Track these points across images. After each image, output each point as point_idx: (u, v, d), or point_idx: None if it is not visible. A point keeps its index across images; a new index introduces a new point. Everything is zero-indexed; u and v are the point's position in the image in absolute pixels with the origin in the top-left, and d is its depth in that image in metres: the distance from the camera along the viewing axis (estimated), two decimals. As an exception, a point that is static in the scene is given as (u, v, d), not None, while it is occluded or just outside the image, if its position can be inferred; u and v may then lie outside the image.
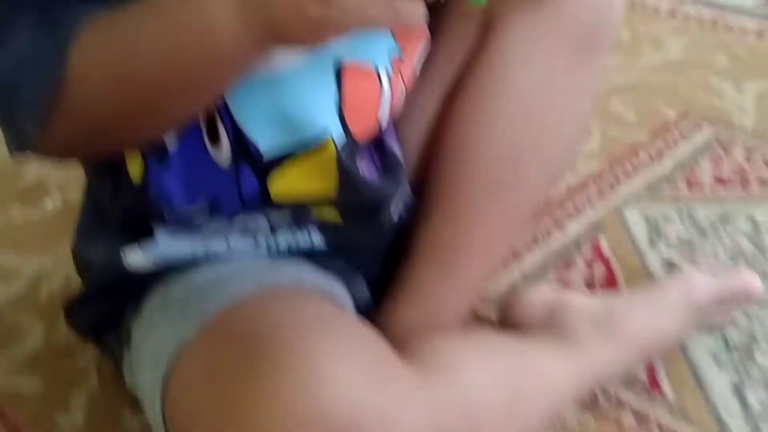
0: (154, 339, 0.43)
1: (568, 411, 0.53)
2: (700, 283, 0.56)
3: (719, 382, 0.56)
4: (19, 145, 0.38)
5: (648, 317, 0.54)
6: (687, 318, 0.55)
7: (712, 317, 0.57)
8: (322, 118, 0.43)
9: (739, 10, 1.20)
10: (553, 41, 0.46)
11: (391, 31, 0.45)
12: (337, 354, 0.36)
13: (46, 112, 0.36)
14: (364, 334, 0.41)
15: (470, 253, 0.50)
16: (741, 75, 1.00)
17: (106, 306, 0.49)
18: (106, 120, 0.38)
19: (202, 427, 0.38)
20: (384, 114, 0.46)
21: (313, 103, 0.42)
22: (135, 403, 0.51)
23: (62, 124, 0.37)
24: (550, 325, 0.53)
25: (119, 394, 0.53)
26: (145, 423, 0.51)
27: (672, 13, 1.20)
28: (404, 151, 0.50)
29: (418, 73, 0.49)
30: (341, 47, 0.42)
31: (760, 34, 1.12)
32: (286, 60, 0.41)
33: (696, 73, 1.00)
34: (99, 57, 0.37)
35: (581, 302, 0.55)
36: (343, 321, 0.43)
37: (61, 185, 0.76)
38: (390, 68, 0.46)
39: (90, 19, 0.37)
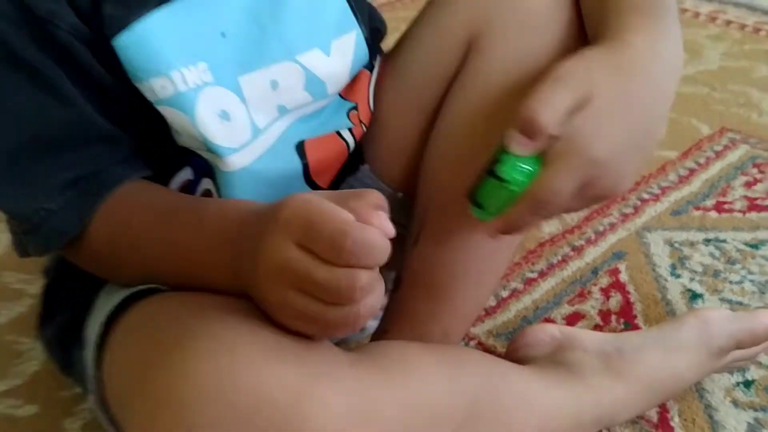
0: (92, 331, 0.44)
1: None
2: (720, 320, 0.53)
3: (734, 424, 0.53)
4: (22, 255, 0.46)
5: (661, 357, 0.51)
6: (703, 359, 0.52)
7: (733, 359, 0.54)
8: (293, 189, 0.44)
9: (784, 16, 1.15)
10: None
11: (342, 96, 0.49)
12: (258, 336, 0.34)
13: (55, 251, 0.46)
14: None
15: (459, 277, 0.48)
16: (782, 87, 0.95)
17: (64, 319, 0.50)
18: (103, 271, 0.45)
19: (124, 406, 0.39)
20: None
21: (282, 182, 0.46)
22: None
23: (70, 257, 0.46)
24: (556, 360, 0.50)
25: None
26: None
27: (712, 18, 1.15)
28: (389, 160, 0.51)
29: (372, 102, 0.51)
30: (300, 130, 0.47)
31: (805, 42, 1.07)
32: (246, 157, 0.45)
33: (733, 84, 0.96)
34: (113, 237, 0.43)
35: (590, 338, 0.52)
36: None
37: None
38: (350, 123, 0.49)
39: (120, 191, 0.43)
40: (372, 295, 0.33)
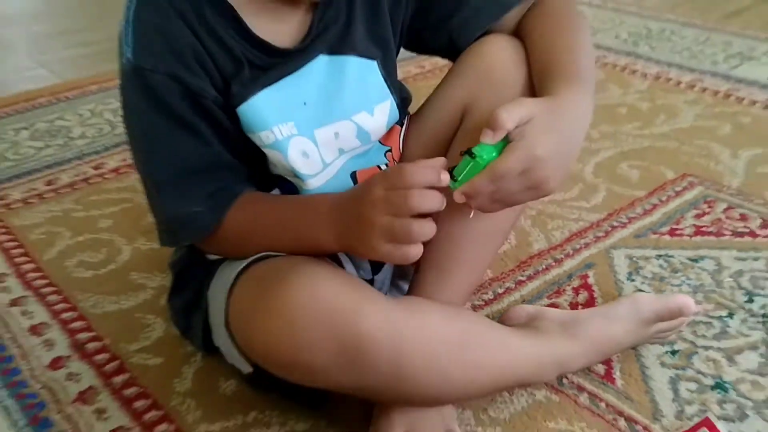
0: (219, 286, 0.66)
1: (538, 388, 0.71)
2: (646, 299, 0.74)
3: (660, 377, 0.73)
4: (168, 244, 0.70)
5: (603, 323, 0.72)
6: (634, 327, 0.72)
7: (658, 330, 0.74)
8: None
9: (752, 83, 1.37)
10: None
11: (381, 142, 0.72)
12: (332, 273, 0.57)
13: (197, 242, 0.68)
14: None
15: (461, 265, 0.69)
16: (740, 142, 1.16)
17: (190, 293, 0.72)
18: (235, 252, 0.67)
19: (246, 320, 0.59)
20: None
21: None
22: (228, 372, 0.74)
23: (205, 246, 0.69)
24: (528, 326, 0.72)
25: (215, 369, 0.75)
26: (233, 385, 0.74)
27: (691, 86, 1.38)
28: None
29: (401, 146, 0.74)
30: (353, 164, 0.70)
31: (766, 105, 1.28)
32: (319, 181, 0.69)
33: (700, 140, 1.17)
34: (240, 229, 0.65)
35: (553, 312, 0.74)
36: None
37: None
38: (386, 160, 0.72)
39: (242, 199, 0.65)
40: (428, 224, 0.55)
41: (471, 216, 0.61)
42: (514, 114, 0.56)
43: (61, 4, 2.15)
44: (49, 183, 1.13)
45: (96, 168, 1.17)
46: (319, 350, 0.54)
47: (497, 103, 0.64)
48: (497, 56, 0.67)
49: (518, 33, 0.69)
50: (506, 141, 0.57)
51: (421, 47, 0.75)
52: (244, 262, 0.64)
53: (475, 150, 0.57)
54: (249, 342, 0.59)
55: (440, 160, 0.56)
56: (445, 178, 0.55)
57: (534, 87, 0.66)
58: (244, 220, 0.65)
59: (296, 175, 0.68)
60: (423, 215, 0.55)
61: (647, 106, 1.30)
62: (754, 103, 1.29)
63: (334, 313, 0.55)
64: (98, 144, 1.25)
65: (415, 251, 0.55)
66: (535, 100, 0.59)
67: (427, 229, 0.55)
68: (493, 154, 0.57)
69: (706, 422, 0.66)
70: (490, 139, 0.56)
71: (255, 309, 0.58)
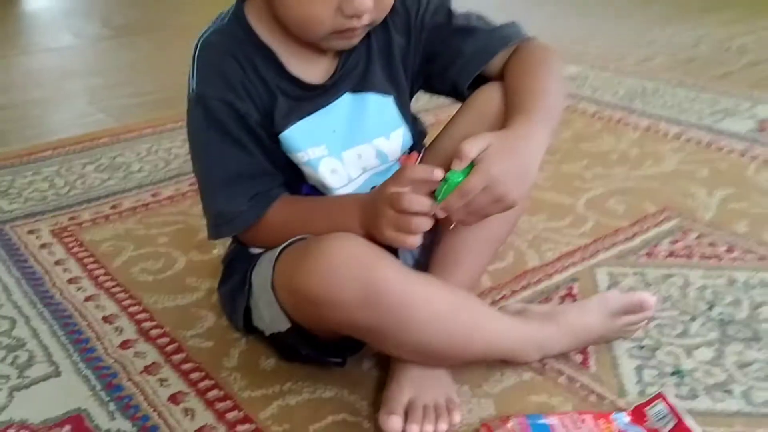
0: (262, 269, 0.82)
1: (525, 370, 0.86)
2: (613, 295, 0.90)
3: (628, 365, 0.87)
4: (214, 238, 0.86)
5: (578, 313, 0.87)
6: (604, 317, 0.87)
7: (626, 322, 0.89)
8: None
9: (733, 135, 1.53)
10: None
11: (399, 162, 0.88)
12: (360, 240, 0.74)
13: (241, 234, 0.85)
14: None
15: (459, 266, 0.85)
16: (715, 183, 1.32)
17: (237, 279, 0.89)
18: (275, 241, 0.82)
19: (290, 271, 0.75)
20: None
21: None
22: (267, 353, 0.90)
23: (249, 239, 0.86)
24: (515, 315, 0.87)
25: (257, 350, 0.91)
26: (274, 364, 0.89)
27: (677, 136, 1.54)
28: None
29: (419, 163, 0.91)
30: (374, 180, 0.85)
31: (742, 153, 1.44)
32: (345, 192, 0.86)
33: (681, 181, 1.33)
34: (280, 222, 0.82)
35: (537, 306, 0.90)
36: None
37: (223, 242, 1.17)
38: None
39: (279, 201, 0.82)
40: (423, 220, 0.72)
41: (451, 228, 0.76)
42: (475, 145, 0.72)
43: (116, 61, 2.38)
44: (113, 207, 1.32)
45: (153, 195, 1.36)
46: (345, 288, 0.70)
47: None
48: (491, 101, 0.84)
49: (503, 74, 0.87)
50: (472, 166, 0.73)
51: (433, 90, 0.93)
52: (286, 243, 0.81)
53: (448, 175, 0.73)
54: (291, 287, 0.75)
55: (434, 169, 0.72)
56: (438, 174, 0.71)
57: None
58: (282, 217, 0.83)
59: (325, 187, 0.85)
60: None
61: (636, 152, 1.47)
62: (732, 151, 1.45)
63: (359, 262, 0.71)
64: (154, 176, 1.44)
65: (413, 240, 0.73)
66: (493, 133, 0.75)
67: (423, 224, 0.72)
68: (461, 178, 0.72)
69: (661, 396, 0.80)
70: (458, 166, 0.72)
71: (298, 260, 0.75)
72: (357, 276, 0.71)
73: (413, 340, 0.76)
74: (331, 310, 0.72)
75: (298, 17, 0.77)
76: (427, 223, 0.72)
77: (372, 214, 0.75)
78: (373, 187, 0.88)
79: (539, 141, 0.76)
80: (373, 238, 0.76)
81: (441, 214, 0.73)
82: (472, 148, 0.72)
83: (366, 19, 0.77)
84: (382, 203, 0.74)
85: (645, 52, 2.19)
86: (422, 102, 1.56)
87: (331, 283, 0.71)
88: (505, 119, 0.80)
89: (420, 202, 0.72)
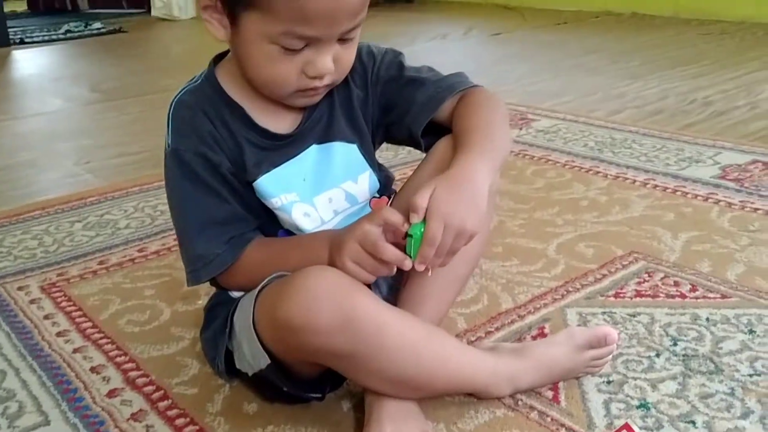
0: (243, 309, 0.86)
1: (497, 407, 0.90)
2: (578, 330, 0.94)
3: (596, 399, 0.91)
4: (194, 282, 0.90)
5: (545, 347, 0.92)
6: (570, 351, 0.91)
7: (592, 356, 0.93)
8: None
9: (697, 181, 1.60)
10: None
11: (370, 204, 0.94)
12: (335, 272, 0.78)
13: (216, 277, 0.89)
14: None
15: (427, 302, 0.90)
16: (680, 227, 1.38)
17: (218, 323, 0.93)
18: (253, 281, 0.86)
19: (271, 302, 0.79)
20: None
21: None
22: (250, 397, 0.93)
23: (227, 282, 0.90)
24: (488, 350, 0.92)
25: (240, 395, 0.94)
26: (257, 408, 0.92)
27: (644, 183, 1.61)
28: None
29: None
30: (347, 222, 0.91)
31: (706, 198, 1.51)
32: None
33: (647, 226, 1.39)
34: (257, 262, 0.87)
35: (508, 344, 0.94)
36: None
37: (208, 291, 1.21)
38: None
39: (254, 242, 0.88)
40: (386, 268, 0.77)
41: (429, 275, 0.81)
42: (423, 194, 0.78)
43: (103, 123, 2.45)
44: (101, 263, 1.36)
45: (140, 251, 1.40)
46: (324, 314, 0.75)
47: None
48: (446, 152, 0.90)
49: (452, 117, 0.93)
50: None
51: (394, 139, 0.99)
52: (265, 282, 0.85)
53: (410, 231, 0.78)
54: (273, 317, 0.79)
55: (404, 221, 0.78)
56: (406, 227, 0.78)
57: None
58: (258, 257, 0.88)
59: (299, 230, 0.90)
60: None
61: (605, 199, 1.53)
62: (696, 196, 1.52)
63: (337, 290, 0.76)
64: (141, 233, 1.48)
65: (369, 279, 0.79)
66: (437, 177, 0.80)
67: (384, 270, 0.79)
68: (422, 228, 0.77)
69: (627, 426, 0.84)
70: (416, 219, 0.77)
71: (280, 292, 0.79)
72: (335, 303, 0.75)
73: (387, 367, 0.80)
74: (310, 336, 0.76)
75: (264, 78, 0.84)
76: (388, 271, 0.79)
77: (337, 245, 0.81)
78: None
79: (481, 170, 0.81)
80: (335, 264, 0.81)
81: (421, 268, 0.78)
82: (422, 200, 0.77)
83: (327, 80, 0.84)
84: (351, 236, 0.79)
85: (614, 105, 2.28)
86: (397, 158, 1.62)
87: (310, 310, 0.75)
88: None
89: (393, 253, 0.77)
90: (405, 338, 0.80)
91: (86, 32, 4.48)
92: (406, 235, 0.78)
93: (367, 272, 0.79)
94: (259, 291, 0.84)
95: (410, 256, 0.78)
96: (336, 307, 0.75)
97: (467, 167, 0.81)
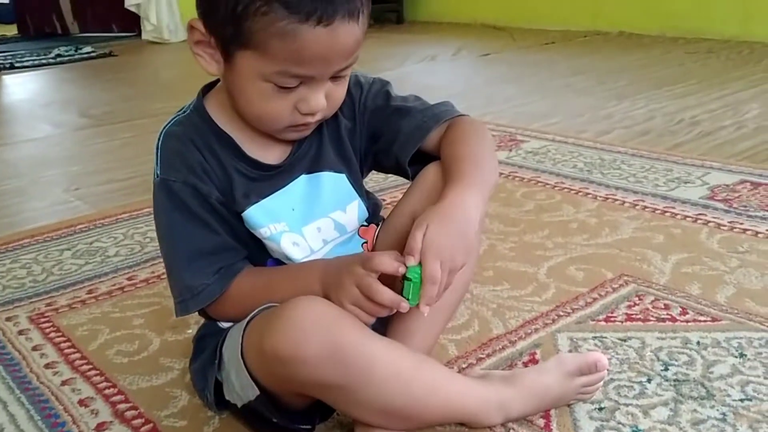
0: (231, 340, 0.86)
1: (488, 437, 0.89)
2: (568, 356, 0.94)
3: (588, 427, 0.91)
4: (182, 313, 0.89)
5: (535, 374, 0.91)
6: (561, 378, 0.91)
7: (582, 383, 0.93)
8: None
9: (686, 202, 1.61)
10: None
11: (359, 233, 0.94)
12: (323, 302, 0.78)
13: (205, 308, 0.88)
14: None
15: (417, 334, 0.90)
16: (670, 249, 1.38)
17: (207, 353, 0.92)
18: (242, 312, 0.85)
19: (259, 335, 0.79)
20: None
21: None
22: (240, 429, 0.92)
23: (217, 313, 0.89)
24: (478, 378, 0.91)
25: (229, 427, 0.94)
26: (245, 439, 0.92)
27: (634, 205, 1.62)
28: None
29: (376, 241, 0.97)
30: (336, 251, 0.92)
31: (695, 219, 1.51)
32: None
33: (637, 248, 1.40)
34: (246, 292, 0.87)
35: (498, 371, 0.93)
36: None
37: (197, 320, 1.20)
38: (363, 250, 0.96)
39: (244, 273, 0.88)
40: (386, 310, 0.78)
41: (426, 315, 0.80)
42: (417, 235, 0.78)
43: (93, 149, 2.45)
44: (89, 292, 1.35)
45: (129, 279, 1.39)
46: (311, 345, 0.75)
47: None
48: (435, 180, 0.91)
49: (440, 146, 0.93)
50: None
51: (382, 167, 1.00)
52: (254, 313, 0.85)
53: (409, 274, 0.78)
54: (261, 349, 0.78)
55: (399, 266, 0.78)
56: (402, 270, 0.78)
57: None
58: (247, 287, 0.88)
59: (289, 259, 0.90)
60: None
61: (595, 221, 1.54)
62: (685, 217, 1.53)
63: (324, 320, 0.76)
64: (131, 260, 1.47)
65: (369, 320, 0.79)
66: (428, 212, 0.80)
67: (384, 312, 0.79)
68: (419, 269, 0.78)
69: (619, 454, 0.84)
70: (412, 261, 0.78)
71: (268, 323, 0.79)
72: (323, 333, 0.75)
73: (375, 398, 0.80)
74: (298, 367, 0.76)
75: (257, 114, 0.84)
76: (387, 312, 0.79)
77: (335, 283, 0.81)
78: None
79: (471, 202, 0.82)
80: (330, 299, 0.81)
81: (426, 311, 0.78)
82: (416, 242, 0.78)
83: (319, 116, 0.85)
84: (348, 279, 0.79)
85: (602, 125, 2.30)
86: (387, 182, 1.62)
87: (298, 341, 0.75)
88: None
89: (390, 298, 0.78)
90: (394, 369, 0.80)
91: (76, 56, 4.48)
92: (403, 277, 0.78)
93: (366, 315, 0.79)
94: (248, 322, 0.84)
95: (407, 298, 0.79)
96: (324, 338, 0.75)
97: (458, 199, 0.81)
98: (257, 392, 0.83)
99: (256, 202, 0.89)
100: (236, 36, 0.78)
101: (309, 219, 0.92)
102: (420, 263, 0.78)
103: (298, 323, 0.76)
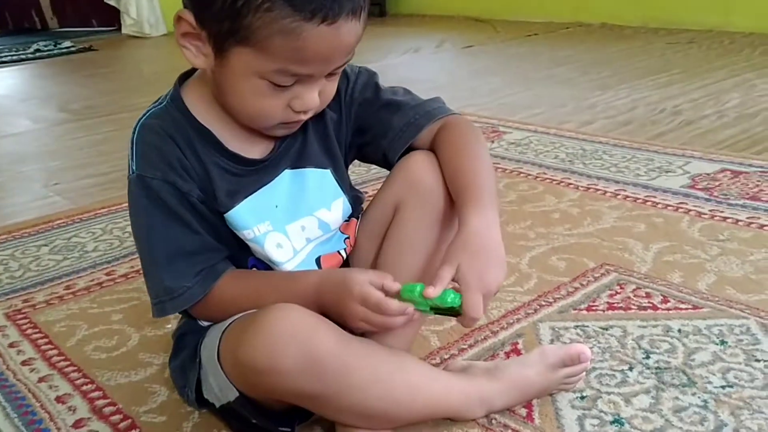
0: (210, 341, 0.85)
1: (472, 426, 0.89)
2: (551, 348, 0.93)
3: (570, 416, 0.91)
4: (159, 315, 0.86)
5: (518, 367, 0.91)
6: (543, 370, 0.91)
7: (565, 374, 0.92)
8: None
9: (667, 191, 1.61)
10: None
11: (341, 230, 0.93)
12: (299, 308, 0.77)
13: (186, 309, 0.86)
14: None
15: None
16: (651, 238, 1.38)
17: (187, 352, 0.91)
18: (223, 316, 0.85)
19: (234, 343, 0.78)
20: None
21: None
22: (220, 425, 0.91)
23: (197, 313, 0.88)
24: (460, 373, 0.91)
25: (209, 423, 0.93)
26: (225, 433, 0.91)
27: (615, 194, 1.62)
28: (361, 266, 0.95)
29: (357, 231, 0.96)
30: (318, 250, 0.91)
31: (676, 208, 1.52)
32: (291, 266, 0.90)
33: (618, 237, 1.40)
34: (229, 298, 0.85)
35: (480, 363, 0.93)
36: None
37: (177, 316, 1.19)
38: (346, 246, 0.94)
39: (227, 275, 0.86)
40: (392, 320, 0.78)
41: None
42: (447, 270, 0.78)
43: (72, 144, 2.42)
44: (67, 288, 1.33)
45: (108, 274, 1.38)
46: (286, 357, 0.73)
47: (419, 203, 0.87)
48: (418, 169, 0.89)
49: (432, 146, 0.92)
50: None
51: (365, 159, 0.98)
52: (232, 318, 0.84)
53: (437, 301, 0.78)
54: (236, 358, 0.77)
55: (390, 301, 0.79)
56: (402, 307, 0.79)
57: (446, 188, 0.88)
58: (230, 294, 0.85)
59: (272, 262, 0.88)
60: None
61: (577, 211, 1.54)
62: (666, 206, 1.53)
63: (298, 331, 0.75)
64: (109, 255, 1.46)
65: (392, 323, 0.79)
66: (455, 246, 0.80)
67: (398, 321, 0.79)
68: (418, 287, 0.78)
69: (601, 443, 0.83)
70: (432, 292, 0.77)
71: (241, 333, 0.78)
72: (297, 345, 0.74)
73: (356, 404, 0.79)
74: (274, 378, 0.75)
75: (249, 111, 0.81)
76: (400, 321, 0.79)
77: (335, 304, 0.81)
78: (317, 258, 0.92)
79: (493, 223, 0.82)
80: (331, 317, 0.80)
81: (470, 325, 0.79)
82: (445, 277, 0.78)
83: (311, 113, 0.83)
84: (350, 299, 0.79)
85: (585, 116, 2.30)
86: (370, 173, 1.61)
87: (272, 354, 0.73)
88: (450, 198, 0.88)
89: (397, 307, 0.78)
90: (373, 375, 0.79)
91: (56, 51, 4.43)
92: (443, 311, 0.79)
93: (378, 328, 0.79)
94: (226, 327, 0.82)
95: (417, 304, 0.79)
96: (299, 348, 0.74)
97: (483, 225, 0.80)
98: (236, 394, 0.82)
99: (240, 201, 0.86)
100: (233, 31, 0.74)
101: (293, 217, 0.89)
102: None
103: (274, 334, 0.74)
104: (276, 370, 0.74)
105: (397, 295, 0.79)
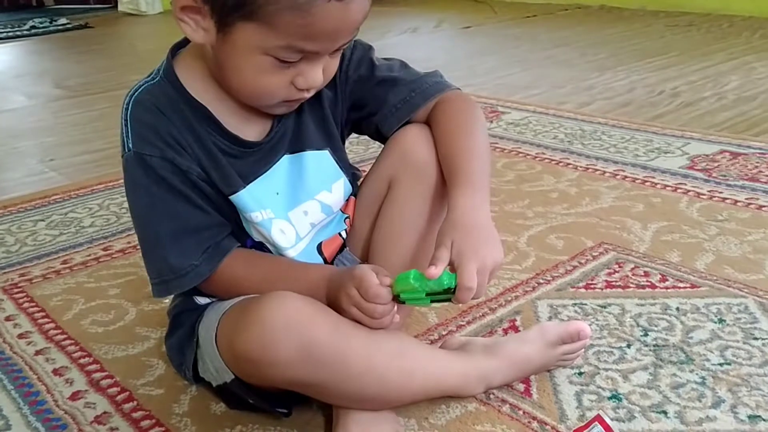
0: (207, 323, 0.84)
1: (469, 401, 0.89)
2: (550, 325, 0.93)
3: (567, 391, 0.91)
4: (160, 295, 0.86)
5: (517, 344, 0.91)
6: (542, 347, 0.91)
7: (564, 351, 0.93)
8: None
9: (665, 171, 1.61)
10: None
11: (342, 210, 0.93)
12: (296, 296, 0.76)
13: (194, 286, 0.85)
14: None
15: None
16: (649, 217, 1.38)
17: (184, 330, 0.90)
18: (228, 294, 0.86)
19: (230, 331, 0.78)
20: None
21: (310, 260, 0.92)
22: (217, 398, 0.91)
23: (201, 287, 0.85)
24: (458, 350, 0.90)
25: (206, 396, 0.92)
26: (224, 408, 0.90)
27: (614, 174, 1.61)
28: (357, 244, 0.95)
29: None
30: (319, 236, 0.91)
31: (674, 188, 1.51)
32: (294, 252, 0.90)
33: (616, 216, 1.39)
34: (238, 277, 0.84)
35: (479, 339, 0.93)
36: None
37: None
38: (346, 227, 0.94)
39: (234, 253, 0.84)
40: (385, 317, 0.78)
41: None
42: (443, 251, 0.77)
43: (68, 120, 2.40)
44: (64, 262, 1.33)
45: (105, 249, 1.37)
46: (281, 348, 0.73)
47: (413, 178, 0.87)
48: (412, 143, 0.89)
49: (428, 121, 0.91)
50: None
51: (360, 132, 0.97)
52: (231, 302, 0.83)
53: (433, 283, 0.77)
54: (231, 347, 0.77)
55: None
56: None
57: (439, 163, 0.88)
58: (239, 274, 0.84)
59: (276, 247, 0.88)
60: None
61: (575, 191, 1.53)
62: (665, 186, 1.53)
63: (293, 321, 0.74)
64: (106, 231, 1.45)
65: (378, 324, 0.79)
66: (446, 226, 0.79)
67: (387, 312, 0.79)
68: (446, 278, 0.77)
69: (598, 418, 0.83)
70: (434, 270, 0.75)
71: (237, 321, 0.77)
72: (294, 334, 0.73)
73: (353, 391, 0.79)
74: (269, 368, 0.74)
75: (251, 89, 0.79)
76: (387, 321, 0.79)
77: (337, 289, 0.80)
78: (318, 244, 0.91)
79: (481, 206, 0.82)
80: (334, 306, 0.80)
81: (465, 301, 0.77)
82: (442, 255, 0.77)
83: (313, 91, 0.81)
84: (349, 281, 0.79)
85: (583, 97, 2.29)
86: (368, 153, 1.60)
87: (267, 345, 0.73)
88: (442, 176, 0.88)
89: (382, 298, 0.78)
90: (369, 362, 0.78)
91: (51, 28, 4.39)
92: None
93: (366, 314, 0.79)
94: (224, 312, 0.82)
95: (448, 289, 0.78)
96: (295, 338, 0.73)
97: (467, 208, 0.80)
98: (232, 377, 0.82)
99: (240, 189, 0.84)
100: (239, 6, 0.71)
101: (295, 203, 0.88)
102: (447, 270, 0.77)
103: (267, 324, 0.73)
104: (270, 362, 0.73)
105: (392, 287, 0.78)
